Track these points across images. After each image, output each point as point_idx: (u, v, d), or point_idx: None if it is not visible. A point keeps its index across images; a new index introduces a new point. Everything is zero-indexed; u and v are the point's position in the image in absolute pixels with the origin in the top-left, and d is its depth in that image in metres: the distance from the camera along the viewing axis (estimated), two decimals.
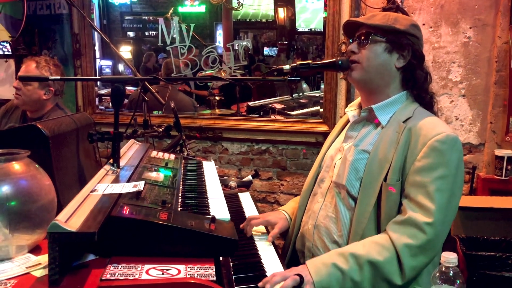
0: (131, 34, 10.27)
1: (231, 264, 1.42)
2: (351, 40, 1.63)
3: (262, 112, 4.28)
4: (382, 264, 1.34)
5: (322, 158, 1.75)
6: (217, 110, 4.54)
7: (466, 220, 2.87)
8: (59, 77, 1.77)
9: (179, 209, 1.34)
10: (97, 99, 4.85)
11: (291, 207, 1.84)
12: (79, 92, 3.73)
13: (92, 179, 1.36)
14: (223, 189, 2.45)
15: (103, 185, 1.35)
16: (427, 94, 1.56)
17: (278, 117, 3.95)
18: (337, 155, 1.64)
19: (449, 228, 1.42)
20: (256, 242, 1.62)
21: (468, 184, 3.10)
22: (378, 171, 1.45)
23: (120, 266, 1.08)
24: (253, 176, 2.74)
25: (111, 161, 1.59)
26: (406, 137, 1.44)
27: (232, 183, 2.57)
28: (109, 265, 1.08)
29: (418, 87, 1.54)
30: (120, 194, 1.27)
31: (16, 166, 1.14)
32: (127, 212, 1.14)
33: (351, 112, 1.68)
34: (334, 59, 1.60)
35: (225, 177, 2.73)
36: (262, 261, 1.46)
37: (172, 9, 4.01)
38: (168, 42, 3.52)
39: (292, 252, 1.75)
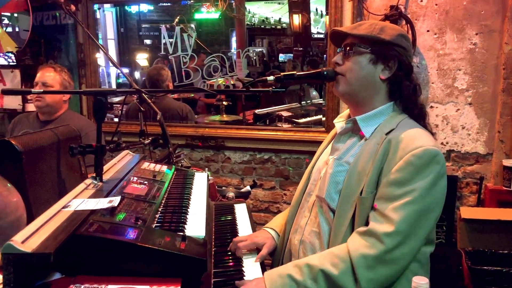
0: (148, 41, 10.36)
1: (212, 281, 1.39)
2: (338, 50, 1.58)
3: (268, 120, 4.25)
4: (336, 275, 1.29)
5: (311, 171, 1.70)
6: (224, 116, 4.52)
7: (472, 232, 2.78)
8: (42, 90, 1.77)
9: (153, 225, 1.31)
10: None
11: (279, 224, 1.79)
12: (84, 102, 3.75)
13: (68, 194, 1.34)
14: (220, 200, 2.45)
15: (78, 200, 1.33)
16: (416, 106, 1.50)
17: (285, 125, 3.91)
18: (324, 168, 1.59)
19: (419, 242, 1.33)
20: (243, 261, 1.59)
21: (475, 195, 3.01)
22: (356, 184, 1.40)
23: (82, 286, 1.05)
24: (252, 186, 2.70)
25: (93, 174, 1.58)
26: (384, 149, 1.39)
27: (230, 194, 2.53)
28: (71, 285, 1.05)
29: (405, 99, 1.48)
30: (93, 211, 1.25)
31: None
32: (92, 230, 1.11)
33: (339, 123, 1.63)
34: (319, 70, 1.56)
35: (223, 188, 2.69)
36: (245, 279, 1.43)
37: (178, 17, 4.02)
38: (171, 51, 3.52)
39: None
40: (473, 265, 2.47)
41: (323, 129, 3.26)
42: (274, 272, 1.38)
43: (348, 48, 1.49)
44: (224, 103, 4.76)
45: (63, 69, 2.86)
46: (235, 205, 2.21)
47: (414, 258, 1.36)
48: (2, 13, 3.75)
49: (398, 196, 1.31)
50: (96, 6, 3.89)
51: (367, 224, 1.37)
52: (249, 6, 9.06)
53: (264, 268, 1.55)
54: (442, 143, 3.04)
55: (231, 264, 1.58)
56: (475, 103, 2.95)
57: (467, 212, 2.82)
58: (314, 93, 5.43)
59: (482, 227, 2.75)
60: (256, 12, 9.43)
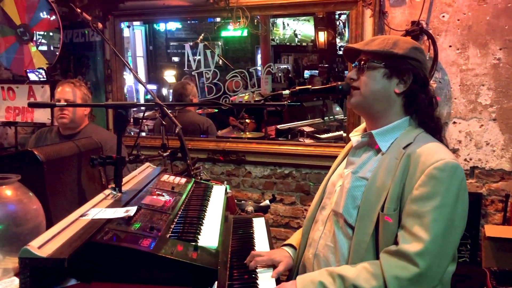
0: (175, 59, 10.57)
1: None
2: (353, 65, 1.59)
3: (290, 135, 4.26)
4: None
5: (326, 184, 1.70)
6: (247, 133, 4.56)
7: (498, 251, 2.71)
8: (65, 103, 1.84)
9: (168, 235, 1.34)
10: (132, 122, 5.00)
11: (297, 239, 1.78)
12: (110, 116, 3.85)
13: (86, 204, 1.39)
14: (239, 214, 2.47)
15: (96, 209, 1.37)
16: (432, 119, 1.49)
17: (307, 141, 3.91)
18: (338, 182, 1.59)
19: (448, 260, 1.33)
20: (259, 275, 1.58)
21: (501, 213, 2.93)
22: (376, 200, 1.39)
23: None
24: (271, 201, 2.71)
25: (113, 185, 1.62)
26: (404, 164, 1.38)
27: (249, 208, 2.55)
28: None
29: (421, 113, 1.48)
30: (109, 220, 1.28)
31: (6, 190, 1.18)
32: (107, 238, 1.14)
33: (354, 137, 1.63)
34: (334, 84, 1.57)
35: (242, 202, 2.70)
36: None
37: (202, 35, 4.11)
38: (194, 67, 3.60)
39: None
40: (499, 285, 2.41)
41: (344, 144, 3.24)
42: (307, 277, 1.40)
43: (362, 63, 1.50)
44: (247, 121, 4.81)
45: (81, 83, 2.89)
46: (253, 219, 2.22)
47: None
48: (36, 32, 3.92)
49: (424, 213, 1.30)
50: (124, 24, 4.02)
51: (394, 241, 1.36)
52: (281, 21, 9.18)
53: (279, 283, 1.53)
54: (465, 159, 2.99)
55: (246, 277, 1.58)
56: (499, 119, 2.90)
57: (492, 230, 2.75)
58: (337, 108, 5.43)
59: (508, 246, 2.67)
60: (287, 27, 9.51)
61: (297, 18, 9.15)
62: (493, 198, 2.97)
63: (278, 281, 1.56)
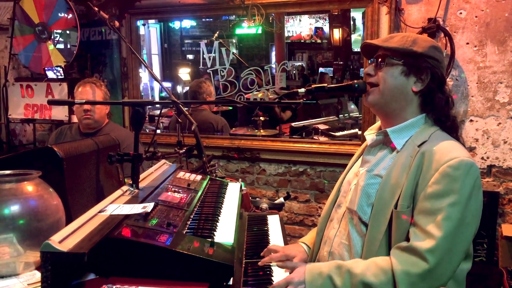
0: (190, 57, 10.62)
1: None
2: (369, 61, 1.59)
3: (304, 133, 4.25)
4: (375, 287, 1.29)
5: (341, 183, 1.71)
6: (261, 131, 4.57)
7: None
8: (84, 100, 1.87)
9: (184, 231, 1.35)
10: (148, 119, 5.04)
11: (311, 237, 1.80)
12: (126, 113, 3.90)
13: (104, 200, 1.41)
14: (254, 211, 2.48)
15: (114, 205, 1.39)
16: (448, 118, 1.48)
17: (322, 138, 3.91)
18: (354, 180, 1.59)
19: (460, 257, 1.32)
20: (272, 268, 1.61)
21: None
22: (390, 197, 1.39)
23: (114, 287, 1.10)
24: (285, 198, 2.72)
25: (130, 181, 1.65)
26: (418, 162, 1.38)
27: (264, 205, 2.56)
28: (104, 286, 1.10)
29: (438, 111, 1.47)
30: (127, 215, 1.30)
31: (27, 186, 1.21)
32: (125, 234, 1.16)
33: (369, 135, 1.62)
34: (351, 82, 1.57)
35: (257, 199, 2.72)
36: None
37: (217, 33, 4.12)
38: (209, 65, 3.61)
39: None
40: None
41: (359, 142, 3.24)
42: (315, 268, 1.41)
43: (380, 59, 1.50)
44: (262, 118, 4.82)
45: (101, 82, 2.93)
46: (268, 216, 2.23)
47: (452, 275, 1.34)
48: (54, 30, 3.98)
49: (437, 211, 1.30)
50: (140, 22, 4.05)
51: (406, 238, 1.36)
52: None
53: None
54: (482, 158, 2.95)
55: (260, 273, 1.59)
56: None
57: (509, 229, 2.72)
58: (352, 106, 5.40)
59: None
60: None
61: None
62: (511, 197, 2.93)
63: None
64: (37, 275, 1.19)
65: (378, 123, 1.67)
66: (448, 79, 2.91)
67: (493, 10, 2.84)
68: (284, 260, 1.64)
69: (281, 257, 1.65)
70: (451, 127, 1.49)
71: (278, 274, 1.57)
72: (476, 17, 2.89)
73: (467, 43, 2.92)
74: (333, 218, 1.64)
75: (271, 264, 1.63)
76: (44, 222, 1.19)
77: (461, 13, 2.92)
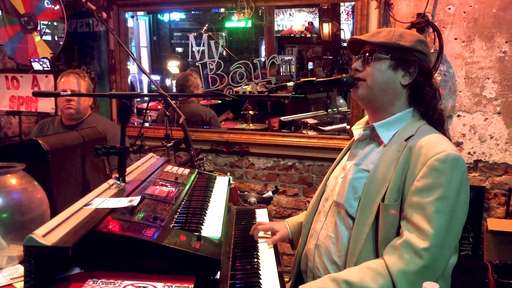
0: (179, 49, 10.55)
1: (228, 282, 1.41)
2: (356, 57, 1.59)
3: (293, 127, 4.25)
4: None
5: (328, 177, 1.71)
6: (250, 125, 4.56)
7: (500, 245, 2.71)
8: (69, 92, 1.84)
9: (171, 225, 1.34)
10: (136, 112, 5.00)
11: (296, 223, 1.85)
12: (113, 106, 3.86)
13: (90, 193, 1.39)
14: (242, 205, 2.48)
15: (100, 199, 1.37)
16: (435, 111, 1.49)
17: (310, 132, 3.91)
18: (341, 174, 1.60)
19: (451, 251, 1.34)
20: (259, 245, 1.76)
21: (503, 207, 2.93)
22: (377, 191, 1.40)
23: (99, 281, 1.09)
24: (274, 192, 2.72)
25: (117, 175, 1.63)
26: (406, 156, 1.39)
27: (252, 199, 2.56)
28: (88, 280, 1.09)
29: (425, 105, 1.48)
30: (113, 209, 1.29)
31: (10, 179, 1.19)
32: (111, 227, 1.15)
33: (357, 130, 1.63)
34: (339, 76, 1.57)
35: (245, 193, 2.72)
36: (260, 261, 1.60)
37: (206, 25, 4.09)
38: (198, 58, 3.59)
39: (297, 272, 1.72)
40: (500, 279, 2.42)
41: (348, 136, 3.24)
42: (309, 286, 1.40)
43: (367, 54, 1.50)
44: (251, 112, 4.81)
45: (85, 73, 2.89)
46: (256, 210, 2.23)
47: None
48: (40, 21, 3.91)
49: (426, 204, 1.30)
50: (128, 14, 4.01)
51: (393, 231, 1.37)
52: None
53: (276, 252, 1.71)
54: (469, 153, 2.98)
55: (248, 267, 1.59)
56: (504, 112, 2.88)
57: (494, 224, 2.75)
58: (341, 101, 5.41)
59: (510, 239, 2.68)
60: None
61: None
62: (496, 191, 2.97)
63: (275, 248, 1.73)
64: (21, 269, 1.18)
65: (365, 118, 1.68)
66: (436, 74, 2.93)
67: (481, 6, 2.86)
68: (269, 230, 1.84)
69: (267, 228, 1.83)
70: (437, 120, 1.50)
71: (266, 268, 1.58)
72: (464, 12, 2.90)
73: (455, 39, 2.93)
74: (320, 211, 1.65)
75: (258, 242, 1.77)
76: (28, 215, 1.17)
77: (449, 8, 2.93)
